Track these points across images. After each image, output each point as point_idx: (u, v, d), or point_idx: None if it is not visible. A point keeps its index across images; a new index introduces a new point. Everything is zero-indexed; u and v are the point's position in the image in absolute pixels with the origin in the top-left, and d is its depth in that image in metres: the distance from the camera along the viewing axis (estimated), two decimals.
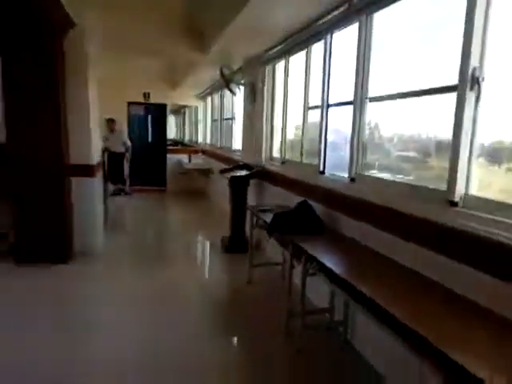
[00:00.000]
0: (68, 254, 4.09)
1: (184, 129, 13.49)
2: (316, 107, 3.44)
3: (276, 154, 4.73)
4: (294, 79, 4.12)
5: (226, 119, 7.32)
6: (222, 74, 4.88)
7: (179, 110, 13.87)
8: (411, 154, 2.70)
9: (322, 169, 3.33)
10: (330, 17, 2.92)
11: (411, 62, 2.50)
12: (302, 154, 3.83)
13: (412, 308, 1.64)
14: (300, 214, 2.97)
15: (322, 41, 3.33)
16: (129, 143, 7.83)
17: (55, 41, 3.76)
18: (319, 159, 3.35)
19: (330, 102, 3.24)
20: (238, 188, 4.69)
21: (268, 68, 4.56)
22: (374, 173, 2.78)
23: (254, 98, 5.02)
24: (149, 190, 9.16)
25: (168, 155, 9.28)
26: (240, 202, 4.73)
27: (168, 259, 4.69)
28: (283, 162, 4.29)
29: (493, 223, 1.66)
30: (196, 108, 10.51)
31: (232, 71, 5.01)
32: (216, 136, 8.09)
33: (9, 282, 3.58)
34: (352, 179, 2.81)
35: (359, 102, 2.70)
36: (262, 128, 4.75)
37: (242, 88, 5.26)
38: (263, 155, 4.80)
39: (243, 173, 4.70)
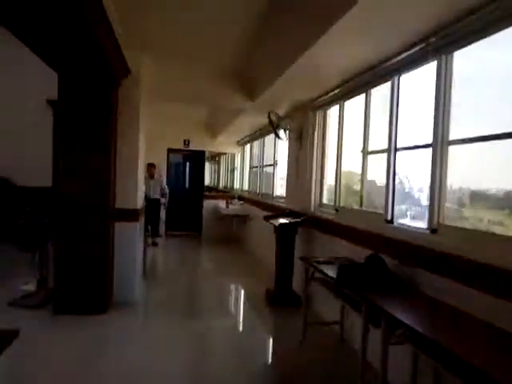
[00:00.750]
0: (108, 304, 3.85)
1: (219, 175, 13.61)
2: (381, 151, 3.21)
3: (326, 200, 4.47)
4: (348, 123, 3.96)
5: (266, 166, 7.22)
6: (269, 119, 4.81)
7: (214, 157, 14.14)
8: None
9: (389, 217, 3.02)
10: (400, 58, 2.77)
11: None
12: (361, 201, 3.55)
13: None
14: (371, 268, 2.63)
15: (384, 84, 3.19)
16: (167, 190, 7.67)
17: (111, 88, 3.82)
18: (386, 207, 3.06)
19: (398, 146, 3.01)
20: (285, 236, 4.40)
21: (319, 113, 4.45)
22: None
23: (301, 143, 4.89)
24: (185, 235, 9.03)
25: (204, 201, 9.26)
26: (287, 251, 4.42)
27: (207, 311, 4.34)
28: (337, 209, 4.00)
29: None
30: (232, 155, 10.60)
31: (279, 117, 4.94)
32: (255, 182, 7.97)
33: (48, 334, 3.34)
34: (433, 230, 2.48)
35: (439, 145, 2.44)
36: (310, 174, 4.55)
37: (287, 133, 5.15)
38: (312, 202, 4.55)
39: (291, 220, 4.43)
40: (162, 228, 8.35)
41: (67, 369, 2.78)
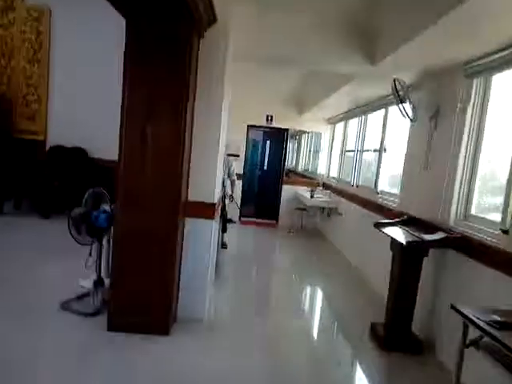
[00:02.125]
0: (171, 323, 3.02)
1: (298, 156, 12.40)
2: None
3: (474, 211, 3.08)
4: None
5: (367, 151, 5.86)
6: (395, 89, 3.48)
7: (294, 136, 12.89)
8: None
9: None
10: None
11: None
12: None
13: None
14: None
15: None
16: (235, 176, 5.53)
17: (191, 38, 2.79)
18: None
19: None
20: (410, 259, 3.13)
21: (478, 81, 3.01)
22: None
23: (436, 123, 3.50)
24: (259, 223, 8.13)
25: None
26: (411, 278, 3.16)
27: (292, 342, 3.29)
28: (505, 230, 2.61)
29: None
30: (317, 134, 9.28)
31: (407, 87, 3.57)
32: (349, 170, 6.64)
33: (99, 360, 2.58)
34: None
35: None
36: (452, 168, 3.17)
37: (414, 110, 3.77)
38: (452, 210, 3.18)
39: (420, 234, 3.13)
40: (237, 213, 7.51)
41: None
